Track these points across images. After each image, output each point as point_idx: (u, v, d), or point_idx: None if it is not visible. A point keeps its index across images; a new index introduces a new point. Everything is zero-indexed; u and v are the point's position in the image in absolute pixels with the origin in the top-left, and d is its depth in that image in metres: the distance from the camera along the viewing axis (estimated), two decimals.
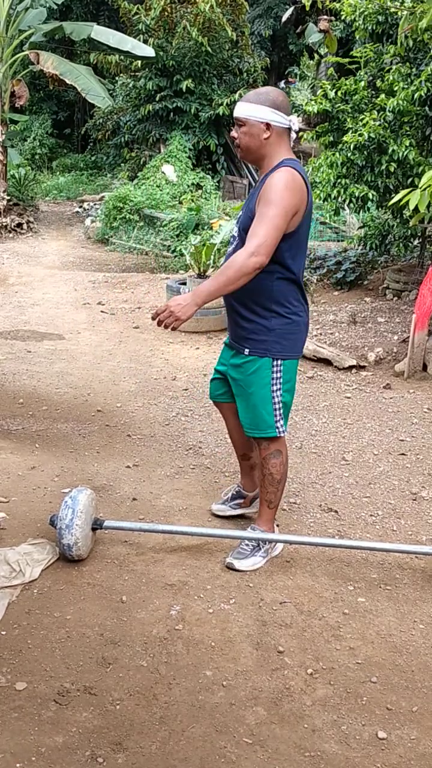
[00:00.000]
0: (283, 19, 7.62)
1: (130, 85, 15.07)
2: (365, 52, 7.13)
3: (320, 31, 6.38)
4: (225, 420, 3.20)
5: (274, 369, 2.79)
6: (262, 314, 2.74)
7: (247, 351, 2.80)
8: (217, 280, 2.57)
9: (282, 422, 2.86)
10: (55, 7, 12.59)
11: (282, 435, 2.87)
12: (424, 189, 4.14)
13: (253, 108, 2.61)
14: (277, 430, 2.84)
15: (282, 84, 21.81)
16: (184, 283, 6.81)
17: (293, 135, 2.70)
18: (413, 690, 2.31)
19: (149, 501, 3.45)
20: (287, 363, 2.81)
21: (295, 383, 2.90)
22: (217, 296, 2.62)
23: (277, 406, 2.83)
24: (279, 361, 2.79)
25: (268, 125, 2.60)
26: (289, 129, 2.65)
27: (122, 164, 16.52)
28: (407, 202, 4.21)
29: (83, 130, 18.38)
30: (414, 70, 6.53)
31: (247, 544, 2.95)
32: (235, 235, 2.79)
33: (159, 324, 2.60)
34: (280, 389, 2.82)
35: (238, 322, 2.82)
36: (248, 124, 2.62)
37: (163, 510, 3.36)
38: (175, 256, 10.04)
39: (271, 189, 2.57)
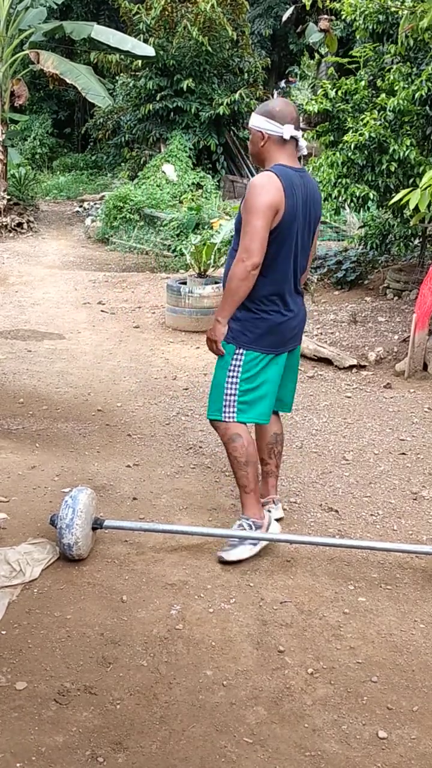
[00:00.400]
0: (284, 18, 7.63)
1: (131, 85, 15.06)
2: (365, 51, 7.13)
3: (320, 30, 6.37)
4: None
5: (235, 356, 2.91)
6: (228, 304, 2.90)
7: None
8: (225, 296, 2.85)
9: (233, 410, 2.94)
10: (55, 6, 12.58)
11: (230, 421, 2.95)
12: (425, 188, 4.14)
13: (254, 118, 2.84)
14: (223, 415, 2.94)
15: (282, 84, 21.80)
16: (185, 283, 6.80)
17: (301, 143, 2.87)
18: (414, 689, 2.31)
19: (149, 501, 3.45)
20: (250, 355, 2.90)
21: (265, 380, 2.94)
22: (233, 307, 2.86)
23: (229, 392, 2.93)
24: (241, 351, 2.90)
25: (262, 134, 2.81)
26: (291, 137, 2.80)
27: (122, 164, 16.51)
28: (408, 202, 4.21)
29: (83, 130, 18.38)
30: (415, 69, 6.53)
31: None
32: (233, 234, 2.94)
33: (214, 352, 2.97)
34: (236, 378, 2.92)
35: None
36: (251, 132, 2.87)
37: (163, 510, 3.36)
38: (176, 256, 10.04)
39: (247, 193, 2.75)
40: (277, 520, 3.19)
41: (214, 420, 3.00)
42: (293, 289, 2.94)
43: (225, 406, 2.94)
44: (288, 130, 2.78)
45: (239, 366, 2.90)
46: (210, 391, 3.02)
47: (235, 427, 2.95)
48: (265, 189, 2.69)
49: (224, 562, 2.93)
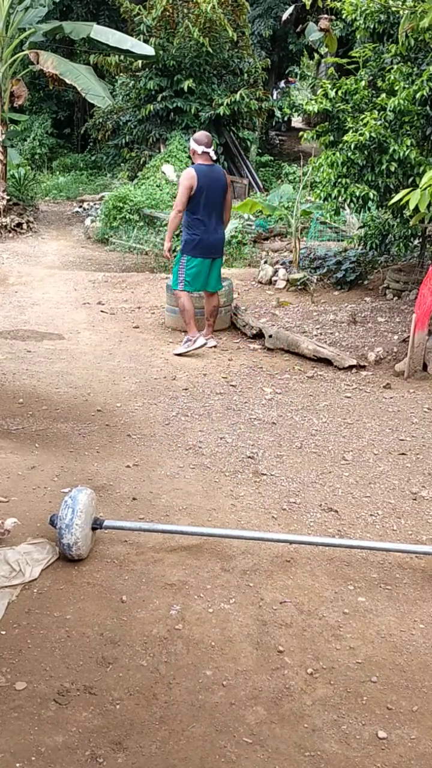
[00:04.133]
0: (283, 18, 7.62)
1: (130, 85, 15.06)
2: (364, 52, 7.12)
3: (320, 30, 6.36)
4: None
5: (182, 260, 6.03)
6: (183, 233, 6.07)
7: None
8: (168, 228, 6.17)
9: (183, 285, 6.04)
10: (55, 4, 12.55)
11: (181, 290, 6.07)
12: (425, 189, 4.14)
13: (191, 143, 6.03)
14: (178, 286, 6.08)
15: (282, 84, 21.81)
16: None
17: (211, 153, 5.94)
18: (413, 689, 2.31)
19: (149, 501, 3.44)
20: (188, 257, 5.99)
21: (198, 271, 6.01)
22: (171, 234, 6.15)
23: (181, 277, 6.04)
24: (185, 256, 6.00)
25: (194, 151, 5.96)
26: (203, 152, 5.91)
27: (122, 164, 16.51)
28: (407, 202, 4.21)
29: (83, 130, 18.36)
30: (415, 69, 6.52)
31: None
32: None
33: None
34: (183, 270, 6.03)
35: None
36: (190, 149, 6.10)
37: (163, 510, 3.36)
38: (176, 256, 10.03)
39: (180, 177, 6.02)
40: (212, 346, 6.12)
41: (175, 289, 6.13)
42: (211, 221, 5.94)
43: (179, 282, 6.04)
44: (201, 149, 5.88)
45: (184, 263, 6.02)
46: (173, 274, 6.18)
47: (180, 294, 6.08)
48: (184, 177, 5.87)
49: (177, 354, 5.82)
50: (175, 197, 6.70)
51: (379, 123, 6.28)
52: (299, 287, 8.11)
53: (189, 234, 5.94)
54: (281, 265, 8.80)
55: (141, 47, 11.39)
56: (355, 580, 2.88)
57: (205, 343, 6.02)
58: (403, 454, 4.12)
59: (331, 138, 7.00)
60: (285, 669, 2.37)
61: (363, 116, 6.41)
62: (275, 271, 8.58)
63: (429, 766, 2.02)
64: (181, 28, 13.66)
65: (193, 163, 5.97)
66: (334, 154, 6.60)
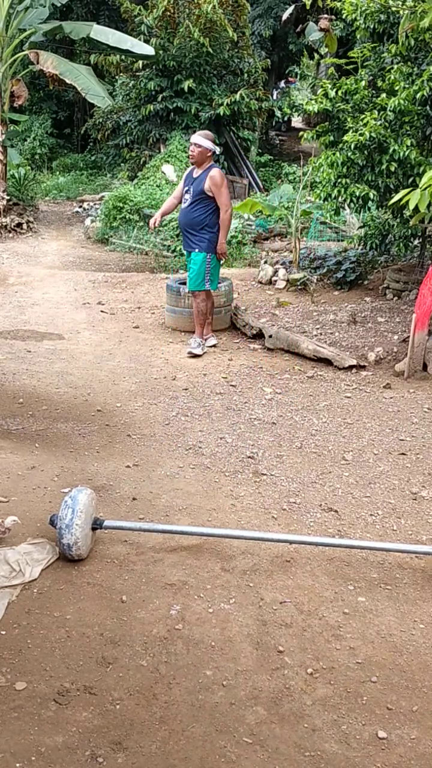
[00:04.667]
0: (284, 18, 7.61)
1: (130, 85, 15.05)
2: (364, 52, 7.12)
3: (320, 30, 6.35)
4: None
5: (207, 259, 6.05)
6: (204, 232, 6.08)
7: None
8: (227, 227, 6.09)
9: (210, 283, 6.10)
10: (58, 5, 12.54)
11: (207, 289, 6.13)
12: (425, 189, 4.14)
13: (208, 143, 5.98)
14: (205, 285, 6.07)
15: (282, 84, 21.80)
16: (184, 283, 6.79)
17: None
18: (413, 690, 2.31)
19: (149, 501, 3.44)
20: (212, 256, 6.07)
21: (217, 269, 6.21)
22: (227, 232, 6.18)
23: (207, 276, 6.07)
24: (209, 255, 6.07)
25: (212, 152, 6.02)
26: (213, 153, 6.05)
27: (122, 164, 16.50)
28: (407, 202, 4.21)
29: (83, 130, 18.35)
30: (415, 69, 6.52)
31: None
32: None
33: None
34: (209, 269, 6.06)
35: None
36: (202, 150, 5.95)
37: (163, 510, 3.36)
38: (175, 256, 10.04)
39: (218, 178, 5.93)
40: (211, 345, 6.19)
41: (199, 290, 6.07)
42: None
43: (205, 282, 6.04)
44: (214, 149, 6.07)
45: (210, 262, 6.03)
46: (191, 276, 6.10)
47: (202, 294, 6.09)
48: (223, 175, 6.00)
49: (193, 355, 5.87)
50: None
51: (379, 123, 6.28)
52: (299, 287, 8.11)
53: (214, 233, 5.97)
54: (281, 265, 8.80)
55: (141, 47, 11.39)
56: (355, 580, 2.88)
57: (215, 343, 6.27)
58: (403, 454, 4.12)
59: (331, 138, 7.00)
60: (285, 669, 2.37)
61: (363, 116, 6.41)
62: (275, 271, 8.58)
63: (429, 766, 2.02)
64: (181, 28, 13.66)
65: (202, 165, 5.96)
66: (334, 154, 6.60)
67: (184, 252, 6.41)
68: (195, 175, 6.02)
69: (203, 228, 5.98)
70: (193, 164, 6.05)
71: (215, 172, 5.91)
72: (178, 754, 2.01)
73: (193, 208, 5.98)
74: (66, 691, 2.21)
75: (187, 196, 6.05)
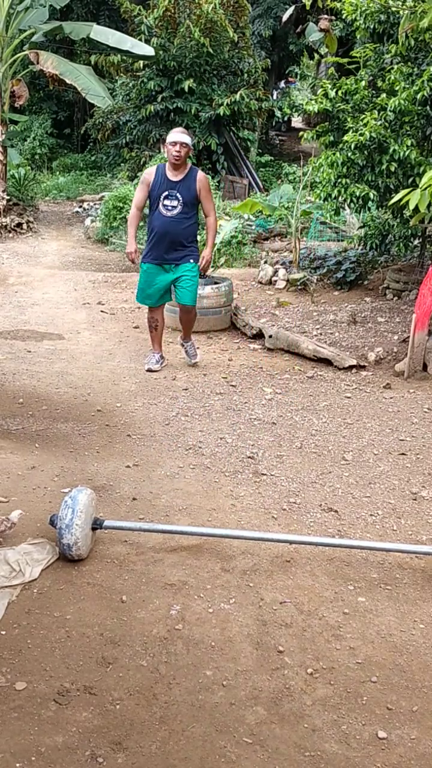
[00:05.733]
0: (284, 18, 7.61)
1: (130, 85, 15.05)
2: (364, 52, 7.13)
3: (320, 30, 6.35)
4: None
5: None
6: (194, 240, 5.51)
7: None
8: (214, 235, 5.54)
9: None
10: (58, 7, 12.54)
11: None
12: (425, 189, 4.14)
13: (189, 139, 5.20)
14: (196, 302, 5.60)
15: (282, 84, 21.81)
16: None
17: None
18: (413, 690, 2.31)
19: (149, 501, 3.44)
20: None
21: None
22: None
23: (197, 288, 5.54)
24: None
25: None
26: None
27: (122, 164, 16.50)
28: (407, 202, 4.21)
29: (83, 130, 18.35)
30: (416, 69, 6.52)
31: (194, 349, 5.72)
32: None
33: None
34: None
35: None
36: (188, 149, 5.16)
37: (163, 510, 3.36)
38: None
39: (207, 183, 5.32)
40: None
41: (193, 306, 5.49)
42: None
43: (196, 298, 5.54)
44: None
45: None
46: (191, 290, 5.39)
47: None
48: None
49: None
50: None
51: (379, 123, 6.28)
52: (299, 287, 8.11)
53: (197, 241, 5.45)
54: (281, 265, 8.80)
55: (141, 47, 11.38)
56: (355, 580, 2.88)
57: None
58: (403, 454, 4.12)
59: (331, 138, 7.00)
60: (285, 669, 2.37)
61: (363, 116, 6.41)
62: (275, 271, 8.58)
63: (429, 766, 2.02)
64: (182, 28, 13.66)
65: (183, 166, 5.20)
66: (334, 154, 6.60)
67: (163, 267, 5.40)
68: (174, 178, 5.14)
69: (193, 238, 5.33)
70: (176, 166, 5.14)
71: (202, 175, 5.23)
72: (178, 754, 2.01)
73: (183, 218, 5.17)
74: (66, 691, 2.21)
75: (170, 203, 5.15)
